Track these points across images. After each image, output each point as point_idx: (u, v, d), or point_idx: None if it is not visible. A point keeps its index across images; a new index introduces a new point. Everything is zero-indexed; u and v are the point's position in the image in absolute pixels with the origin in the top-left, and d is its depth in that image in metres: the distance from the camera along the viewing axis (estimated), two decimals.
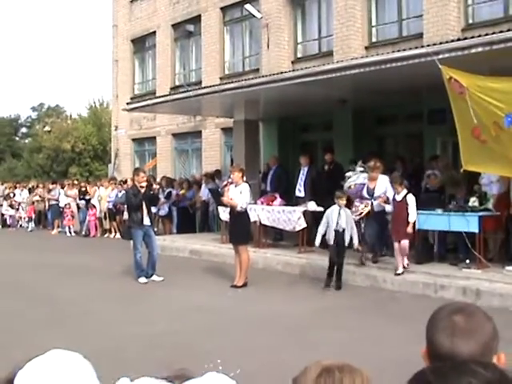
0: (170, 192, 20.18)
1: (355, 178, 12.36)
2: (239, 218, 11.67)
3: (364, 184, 12.05)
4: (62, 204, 23.86)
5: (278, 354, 7.04)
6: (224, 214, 15.60)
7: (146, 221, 12.45)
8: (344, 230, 10.94)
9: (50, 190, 25.08)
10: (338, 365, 1.39)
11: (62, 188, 24.83)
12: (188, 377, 1.34)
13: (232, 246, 11.98)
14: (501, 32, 9.73)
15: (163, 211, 19.99)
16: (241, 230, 11.71)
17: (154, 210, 14.36)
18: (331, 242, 11.02)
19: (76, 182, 25.97)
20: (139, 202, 12.34)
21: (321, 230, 11.13)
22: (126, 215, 19.13)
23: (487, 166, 10.06)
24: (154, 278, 12.37)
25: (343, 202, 11.06)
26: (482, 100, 9.15)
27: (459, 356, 1.75)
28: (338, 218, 10.91)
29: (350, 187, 12.28)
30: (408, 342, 6.76)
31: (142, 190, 12.43)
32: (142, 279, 12.25)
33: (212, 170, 20.28)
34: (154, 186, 14.46)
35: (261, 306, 9.89)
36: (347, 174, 12.86)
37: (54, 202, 24.44)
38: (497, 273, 10.40)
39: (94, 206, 22.29)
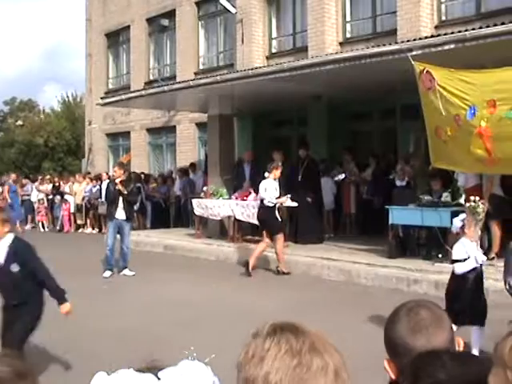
0: (139, 187, 20.03)
1: None
2: (267, 210, 12.16)
3: None
4: (33, 199, 23.66)
5: None
6: (198, 209, 15.61)
7: (119, 215, 12.38)
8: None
9: (22, 185, 24.84)
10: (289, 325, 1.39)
11: (34, 183, 24.64)
12: (160, 367, 1.35)
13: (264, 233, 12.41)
14: (473, 29, 9.83)
15: (135, 206, 19.87)
16: (271, 221, 12.14)
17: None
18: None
19: (48, 176, 25.72)
20: (113, 195, 12.33)
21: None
22: (100, 209, 19.09)
23: (452, 164, 10.31)
24: (126, 272, 12.34)
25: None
26: (449, 93, 9.32)
27: (436, 347, 1.75)
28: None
29: None
30: (380, 335, 6.82)
31: (118, 186, 12.35)
32: (106, 273, 12.27)
33: (186, 165, 20.25)
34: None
35: (236, 300, 9.91)
36: None
37: (26, 198, 24.22)
38: None
39: (68, 201, 22.13)
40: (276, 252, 12.05)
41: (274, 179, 12.32)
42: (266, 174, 12.42)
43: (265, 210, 12.29)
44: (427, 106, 9.88)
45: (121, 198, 12.30)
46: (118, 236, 12.52)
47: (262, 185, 12.29)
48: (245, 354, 1.35)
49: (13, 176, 24.49)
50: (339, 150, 16.47)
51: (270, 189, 12.13)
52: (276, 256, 12.07)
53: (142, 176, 21.51)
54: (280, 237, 12.06)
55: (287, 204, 13.80)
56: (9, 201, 22.56)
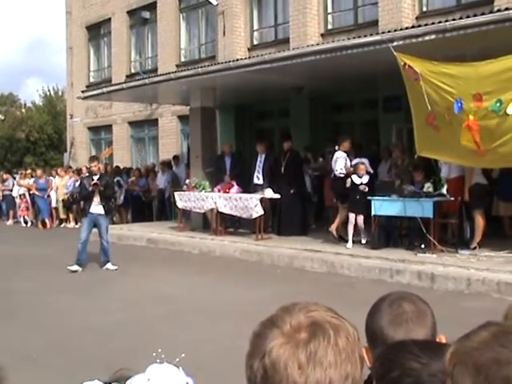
0: (119, 181, 19.91)
1: None
2: (338, 181, 12.75)
3: None
4: (15, 194, 23.44)
5: (236, 340, 7.04)
6: (180, 202, 15.56)
7: (95, 209, 12.22)
8: None
9: (3, 181, 24.63)
10: (330, 320, 1.22)
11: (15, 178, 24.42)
12: (128, 377, 1.30)
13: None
14: (453, 20, 9.86)
15: (119, 200, 19.77)
16: (342, 191, 12.73)
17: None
18: None
19: (30, 171, 25.48)
20: (87, 192, 12.19)
21: None
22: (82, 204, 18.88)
23: (440, 153, 10.33)
24: (108, 266, 12.21)
25: None
26: (435, 85, 9.34)
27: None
28: None
29: None
30: (364, 326, 6.82)
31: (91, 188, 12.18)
32: (73, 267, 11.95)
33: (169, 158, 20.17)
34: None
35: (219, 293, 9.88)
36: None
37: (7, 193, 24.01)
38: (451, 257, 10.57)
39: (50, 196, 21.96)
40: (339, 217, 12.74)
41: (344, 151, 12.75)
42: (336, 147, 12.85)
43: (336, 181, 12.81)
44: (416, 95, 9.84)
45: (98, 193, 12.15)
46: (96, 230, 12.37)
47: (334, 157, 12.83)
48: (290, 355, 1.14)
49: (39, 172, 23.17)
50: (322, 141, 16.45)
51: (339, 160, 12.60)
52: (336, 221, 12.79)
53: (124, 170, 21.42)
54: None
55: (270, 196, 13.83)
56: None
